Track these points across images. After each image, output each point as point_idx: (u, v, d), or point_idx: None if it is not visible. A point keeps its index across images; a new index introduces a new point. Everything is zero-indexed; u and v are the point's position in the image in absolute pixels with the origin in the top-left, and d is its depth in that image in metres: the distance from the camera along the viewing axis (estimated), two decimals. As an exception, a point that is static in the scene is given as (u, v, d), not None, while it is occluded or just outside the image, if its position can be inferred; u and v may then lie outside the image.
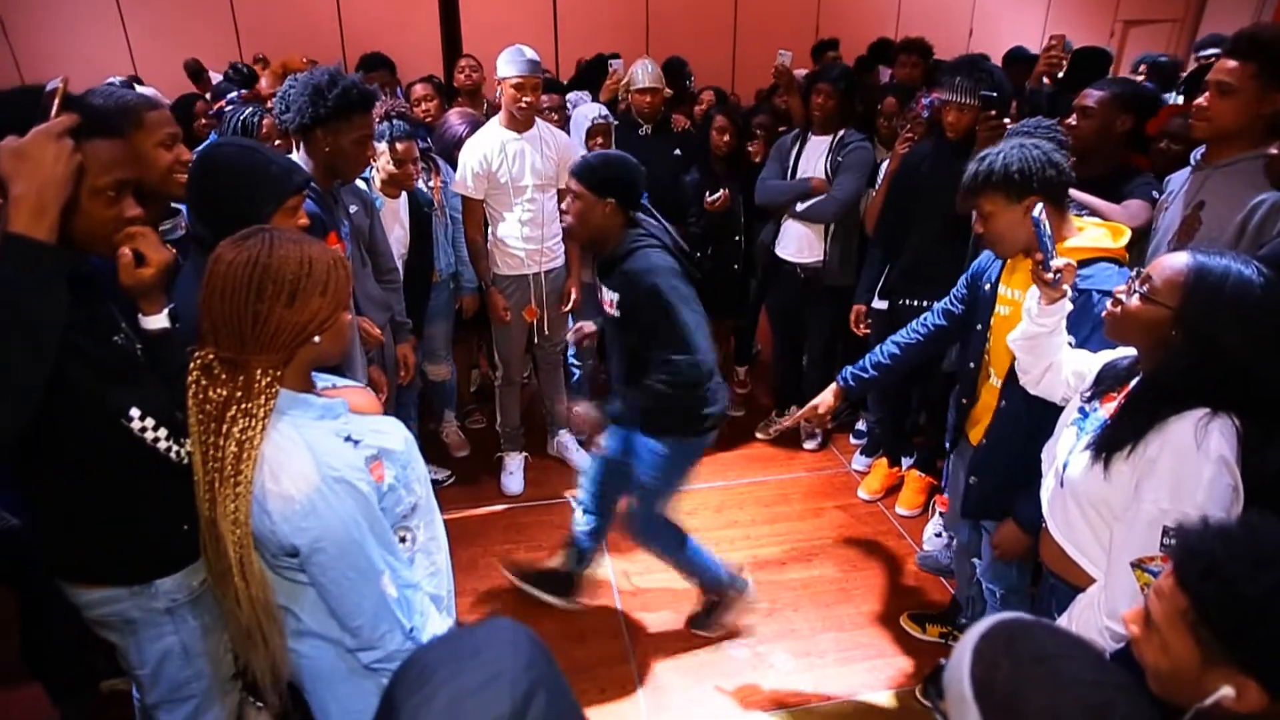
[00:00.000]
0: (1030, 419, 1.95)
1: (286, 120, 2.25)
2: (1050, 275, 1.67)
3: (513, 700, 0.69)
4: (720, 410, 2.44)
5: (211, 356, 1.25)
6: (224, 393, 1.24)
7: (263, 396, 1.25)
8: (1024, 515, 1.97)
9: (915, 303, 3.12)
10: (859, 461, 3.85)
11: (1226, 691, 0.95)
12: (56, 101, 1.27)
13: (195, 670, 1.68)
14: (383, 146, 2.91)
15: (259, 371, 1.25)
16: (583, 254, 3.52)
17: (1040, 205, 1.71)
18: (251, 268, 1.22)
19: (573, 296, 3.48)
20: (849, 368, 2.40)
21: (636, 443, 2.49)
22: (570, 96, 4.24)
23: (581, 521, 2.79)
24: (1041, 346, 1.77)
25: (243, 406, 1.24)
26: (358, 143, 2.27)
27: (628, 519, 2.63)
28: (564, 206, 2.42)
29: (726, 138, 3.73)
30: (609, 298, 2.42)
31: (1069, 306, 1.73)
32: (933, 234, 3.02)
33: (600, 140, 3.58)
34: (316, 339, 1.29)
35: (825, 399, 2.38)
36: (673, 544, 2.65)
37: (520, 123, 3.19)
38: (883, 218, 3.30)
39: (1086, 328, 1.82)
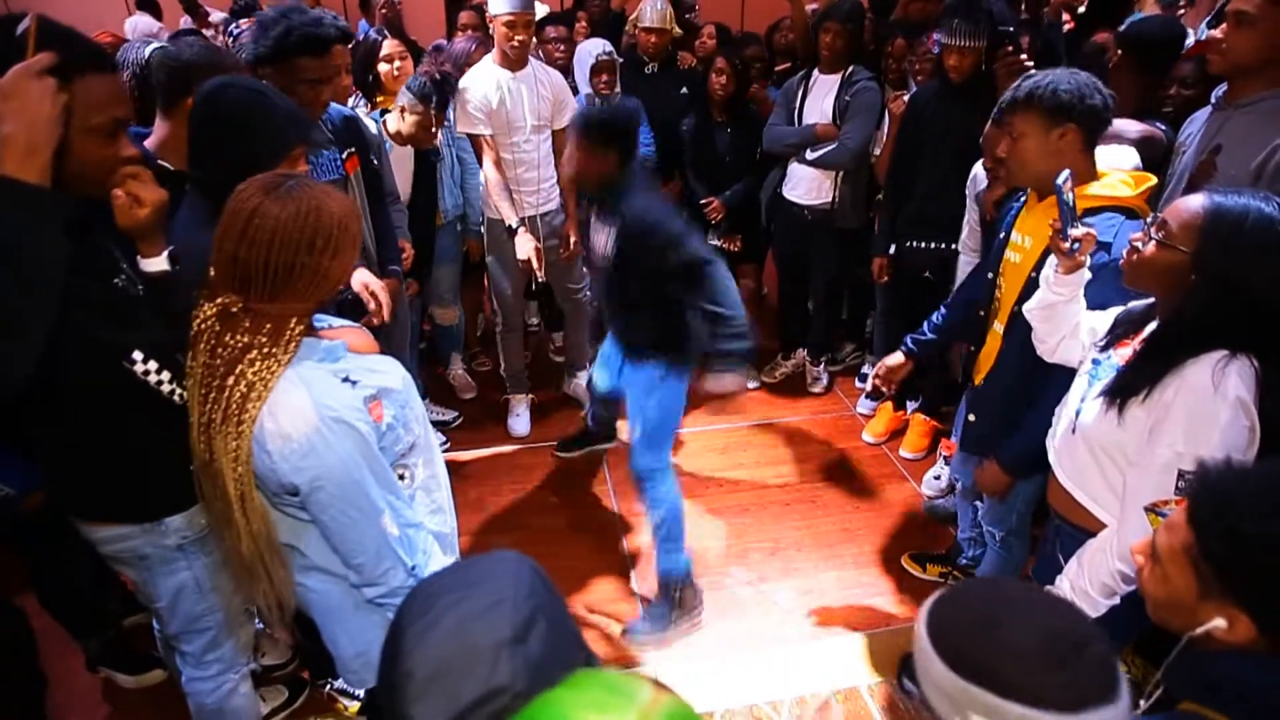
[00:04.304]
0: (1025, 364, 1.94)
1: (244, 55, 2.17)
2: (1067, 245, 1.62)
3: (514, 626, 0.70)
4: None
5: (239, 305, 1.25)
6: (245, 339, 1.25)
7: (292, 343, 1.27)
8: (1005, 456, 2.02)
9: (922, 245, 3.09)
10: (864, 405, 3.85)
11: (1219, 623, 0.98)
12: (31, 41, 1.21)
13: (209, 604, 1.72)
14: (422, 106, 2.82)
15: (294, 320, 1.27)
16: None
17: (1066, 173, 1.64)
18: (304, 221, 1.22)
19: (572, 240, 3.40)
20: (909, 335, 2.43)
21: (631, 375, 2.54)
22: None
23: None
24: (1058, 315, 1.74)
25: (264, 351, 1.25)
26: (309, 84, 2.17)
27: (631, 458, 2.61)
28: (565, 157, 2.49)
29: (724, 79, 3.56)
30: (602, 238, 2.46)
31: (1087, 275, 1.69)
32: (939, 176, 2.96)
33: (605, 77, 3.50)
34: (341, 286, 1.33)
35: (893, 360, 2.42)
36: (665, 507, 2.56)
37: (514, 61, 3.10)
38: (892, 165, 3.24)
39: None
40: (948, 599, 0.92)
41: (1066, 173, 1.65)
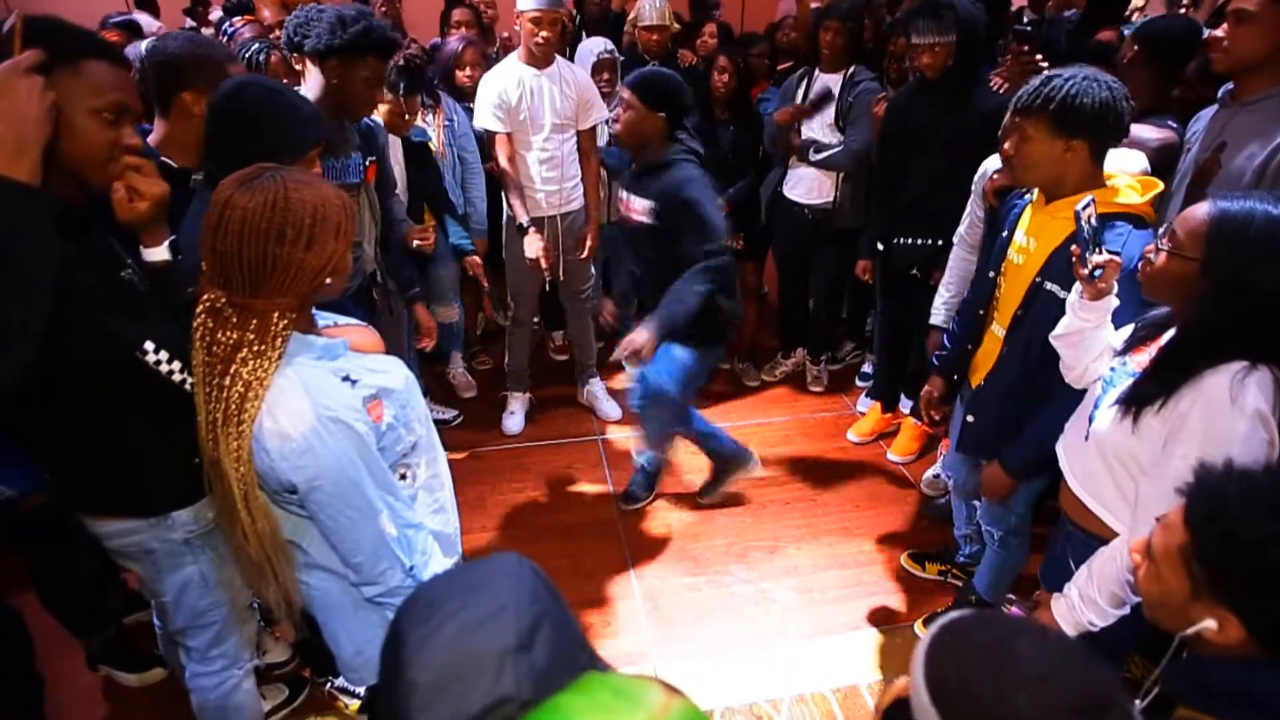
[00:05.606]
0: (1028, 366, 1.94)
1: (306, 43, 2.23)
2: (1086, 271, 1.60)
3: (517, 633, 0.70)
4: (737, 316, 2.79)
5: (223, 301, 1.24)
6: (235, 336, 1.24)
7: (279, 339, 1.25)
8: (1009, 460, 2.01)
9: (911, 242, 3.07)
10: (864, 404, 3.84)
11: (1209, 624, 0.99)
12: (17, 38, 1.21)
13: (214, 599, 1.73)
14: (391, 96, 2.82)
15: (276, 315, 1.25)
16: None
17: (1088, 198, 1.62)
18: (270, 211, 1.20)
19: (589, 244, 3.39)
20: (935, 354, 2.44)
21: (660, 353, 2.66)
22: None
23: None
24: (1086, 341, 1.70)
25: (254, 349, 1.24)
26: (367, 82, 2.25)
27: (644, 422, 2.91)
28: (614, 115, 2.60)
29: (726, 78, 3.55)
30: (640, 205, 2.57)
31: (1115, 302, 1.66)
32: (928, 175, 2.94)
33: (606, 75, 3.49)
34: (329, 280, 1.29)
35: (930, 388, 2.42)
36: (690, 429, 2.97)
37: (539, 59, 3.09)
38: (879, 169, 3.23)
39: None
40: (947, 646, 0.84)
41: (1088, 198, 1.63)
